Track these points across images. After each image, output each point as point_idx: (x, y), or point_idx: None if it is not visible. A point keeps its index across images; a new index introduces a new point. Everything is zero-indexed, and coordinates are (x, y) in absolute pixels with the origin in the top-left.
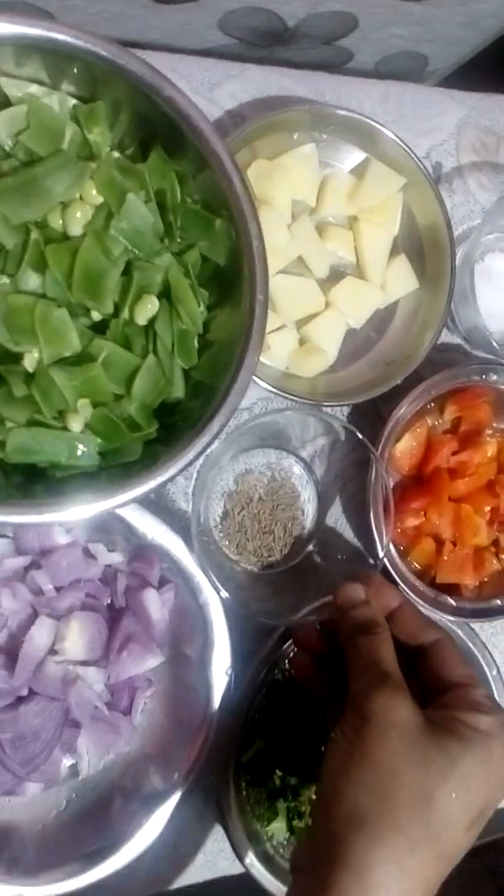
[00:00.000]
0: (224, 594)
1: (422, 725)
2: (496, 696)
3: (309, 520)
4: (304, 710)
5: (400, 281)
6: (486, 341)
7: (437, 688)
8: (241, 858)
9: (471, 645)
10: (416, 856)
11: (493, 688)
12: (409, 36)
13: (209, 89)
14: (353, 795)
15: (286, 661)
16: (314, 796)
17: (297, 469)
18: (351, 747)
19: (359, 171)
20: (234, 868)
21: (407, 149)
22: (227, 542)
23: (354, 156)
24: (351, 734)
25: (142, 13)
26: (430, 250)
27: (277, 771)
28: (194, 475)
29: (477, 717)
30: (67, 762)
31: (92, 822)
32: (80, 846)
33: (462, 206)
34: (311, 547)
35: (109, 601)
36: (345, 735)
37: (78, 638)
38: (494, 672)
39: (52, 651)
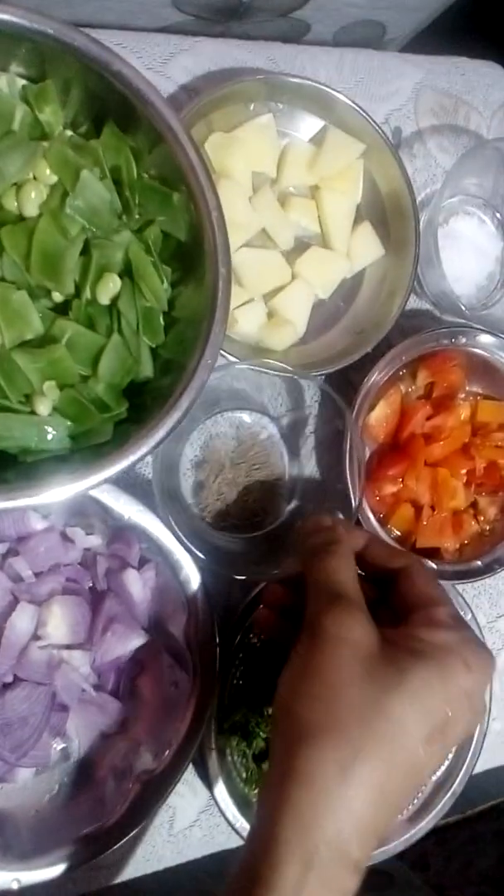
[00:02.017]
0: (200, 557)
1: (376, 644)
2: None
3: (286, 477)
4: (281, 668)
5: (365, 249)
6: (454, 305)
7: (404, 612)
8: (231, 825)
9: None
10: (363, 761)
11: None
12: (365, 4)
13: (161, 64)
14: (301, 709)
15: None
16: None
17: (268, 429)
18: (301, 664)
19: (317, 140)
20: (232, 841)
21: (364, 114)
22: (207, 513)
23: (312, 124)
24: (302, 652)
25: None
26: (393, 216)
27: (260, 732)
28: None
29: (433, 633)
30: (58, 746)
31: (85, 804)
32: (75, 829)
33: (424, 171)
34: (294, 503)
35: (91, 585)
36: (297, 653)
37: (60, 622)
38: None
39: (36, 636)
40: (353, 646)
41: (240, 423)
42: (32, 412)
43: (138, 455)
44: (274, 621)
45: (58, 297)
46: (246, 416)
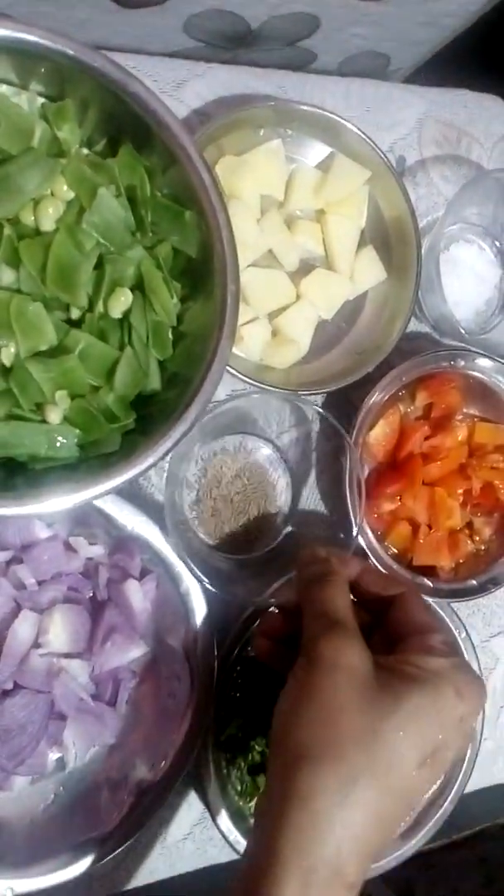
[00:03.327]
0: (206, 583)
1: (372, 670)
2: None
3: (283, 499)
4: (278, 683)
5: (368, 272)
6: (453, 328)
7: (398, 638)
8: (225, 838)
9: (450, 624)
10: (361, 785)
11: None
12: (371, 36)
13: (175, 88)
14: (299, 732)
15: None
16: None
17: (267, 451)
18: (299, 689)
19: (324, 166)
20: (224, 855)
21: (371, 142)
22: (202, 529)
23: (319, 150)
24: (300, 676)
25: (108, 19)
26: (396, 241)
27: (255, 745)
28: (166, 467)
29: (426, 659)
30: (54, 755)
31: (80, 814)
32: (69, 838)
33: (426, 198)
34: (288, 528)
35: (92, 594)
36: (294, 678)
37: (61, 630)
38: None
39: (36, 644)
40: (350, 671)
41: (241, 443)
42: (43, 420)
43: (144, 466)
44: (272, 649)
45: (75, 313)
46: (250, 440)
